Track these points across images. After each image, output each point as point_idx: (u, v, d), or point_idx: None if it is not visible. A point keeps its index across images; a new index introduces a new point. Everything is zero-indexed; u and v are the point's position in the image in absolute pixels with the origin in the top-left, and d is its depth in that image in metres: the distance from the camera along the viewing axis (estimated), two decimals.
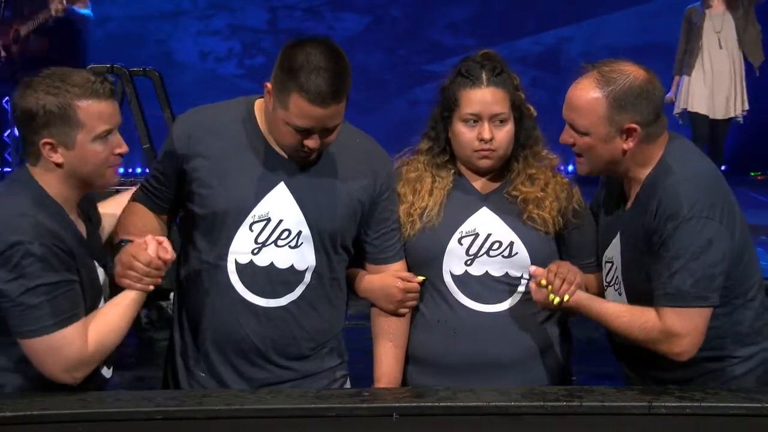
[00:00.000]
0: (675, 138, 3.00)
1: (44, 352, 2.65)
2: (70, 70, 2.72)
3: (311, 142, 2.88)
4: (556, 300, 2.95)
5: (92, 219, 2.92)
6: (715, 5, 8.21)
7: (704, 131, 8.23)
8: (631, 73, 2.89)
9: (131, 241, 2.85)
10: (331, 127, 2.89)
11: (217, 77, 11.32)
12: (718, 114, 8.18)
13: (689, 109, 8.25)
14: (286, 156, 3.00)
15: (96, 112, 2.67)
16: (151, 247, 2.78)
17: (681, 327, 2.82)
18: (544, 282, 2.97)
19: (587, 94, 2.90)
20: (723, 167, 9.96)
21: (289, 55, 2.84)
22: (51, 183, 2.72)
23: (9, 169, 7.58)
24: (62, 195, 2.74)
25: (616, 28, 10.85)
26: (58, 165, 2.70)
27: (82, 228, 2.81)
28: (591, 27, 11.06)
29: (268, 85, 2.90)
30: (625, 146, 2.89)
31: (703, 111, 8.23)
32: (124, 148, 2.76)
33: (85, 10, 7.47)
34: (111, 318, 2.75)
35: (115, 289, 2.84)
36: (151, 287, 2.80)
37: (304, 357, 3.11)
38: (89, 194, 2.90)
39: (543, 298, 2.99)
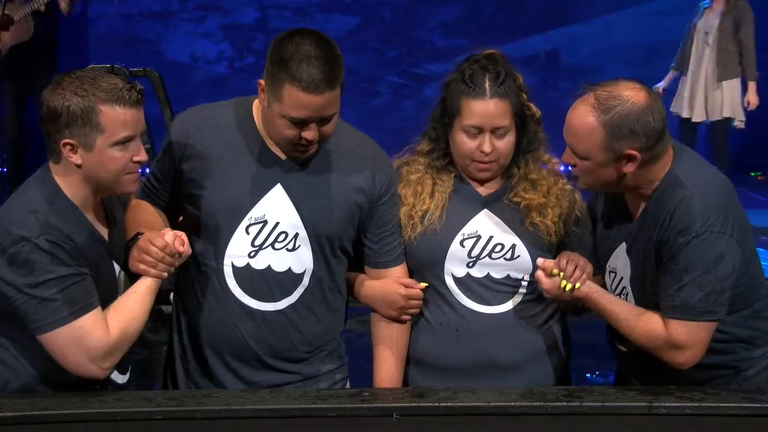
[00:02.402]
0: (680, 149, 2.95)
1: (65, 344, 2.65)
2: (103, 73, 2.74)
3: (309, 134, 2.86)
4: (568, 286, 2.93)
5: (117, 220, 2.92)
6: (715, 5, 8.15)
7: (687, 135, 8.13)
8: (629, 98, 2.81)
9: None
10: (327, 116, 2.86)
11: (207, 77, 11.31)
12: (696, 117, 8.09)
13: (671, 110, 8.20)
14: (283, 157, 2.99)
15: (119, 118, 2.68)
16: (169, 235, 2.80)
17: (686, 339, 2.81)
18: (555, 270, 2.95)
19: (584, 120, 2.83)
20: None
21: (278, 48, 2.83)
22: (69, 183, 2.74)
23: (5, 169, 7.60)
24: (79, 196, 2.75)
25: (626, 27, 10.85)
26: (78, 166, 2.71)
27: (102, 228, 2.83)
28: (601, 25, 11.04)
29: (261, 81, 2.88)
30: (625, 170, 2.85)
31: (683, 114, 8.21)
32: (143, 156, 2.76)
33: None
34: (130, 305, 2.76)
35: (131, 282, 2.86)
36: (165, 274, 2.80)
37: (302, 360, 3.10)
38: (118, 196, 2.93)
39: (553, 287, 2.95)
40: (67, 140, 2.68)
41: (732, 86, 8.12)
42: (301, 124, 2.84)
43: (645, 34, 10.59)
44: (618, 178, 2.88)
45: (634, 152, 2.82)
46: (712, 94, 8.10)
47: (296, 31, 2.85)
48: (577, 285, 2.94)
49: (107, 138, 2.68)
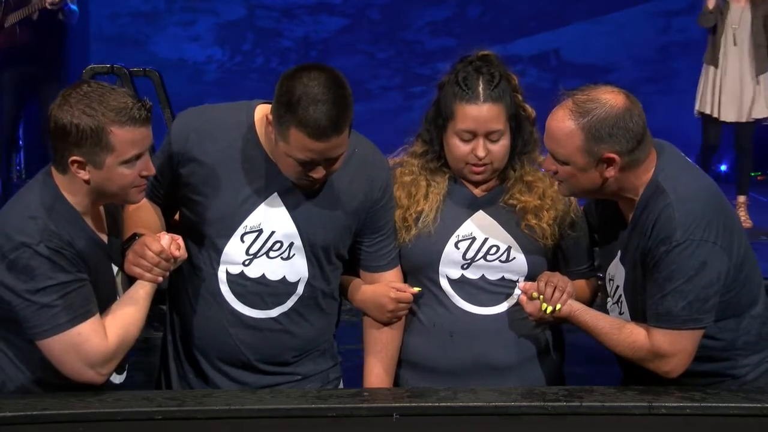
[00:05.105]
0: (663, 152, 2.94)
1: (63, 351, 2.65)
2: (111, 89, 2.69)
3: (316, 174, 2.84)
4: (549, 309, 2.95)
5: (117, 222, 2.91)
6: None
7: (713, 136, 7.83)
8: (607, 102, 2.80)
9: (143, 235, 2.84)
10: (334, 158, 2.84)
11: (196, 77, 11.28)
12: (729, 116, 7.73)
13: (698, 109, 7.85)
14: None
15: (129, 138, 2.66)
16: (165, 239, 2.79)
17: (669, 348, 2.82)
18: (535, 294, 2.97)
19: (563, 124, 2.83)
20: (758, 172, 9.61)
21: (287, 88, 2.77)
22: (73, 192, 2.72)
23: None
24: (81, 203, 2.74)
25: (635, 27, 10.92)
26: (85, 181, 2.69)
27: (102, 232, 2.82)
28: (611, 25, 11.06)
29: (269, 116, 2.85)
30: (606, 174, 2.85)
31: (712, 113, 7.80)
32: (151, 171, 2.75)
33: (73, 5, 7.44)
34: (128, 311, 2.75)
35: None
36: (160, 279, 2.80)
37: (294, 363, 3.10)
38: None
39: (535, 310, 2.99)
40: (75, 158, 2.66)
41: (766, 81, 7.79)
42: (307, 165, 2.82)
43: (656, 34, 10.69)
44: (600, 184, 2.88)
45: (613, 155, 2.81)
46: (747, 93, 7.75)
47: (305, 69, 2.80)
48: (558, 307, 2.96)
49: (117, 157, 2.66)
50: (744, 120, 7.71)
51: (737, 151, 8.02)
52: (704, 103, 7.81)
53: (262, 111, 2.98)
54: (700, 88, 7.86)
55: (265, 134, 2.95)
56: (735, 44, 7.72)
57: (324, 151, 2.79)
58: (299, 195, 2.97)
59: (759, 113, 7.70)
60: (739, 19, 7.73)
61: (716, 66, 7.76)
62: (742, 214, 7.42)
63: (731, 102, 7.72)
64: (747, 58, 7.74)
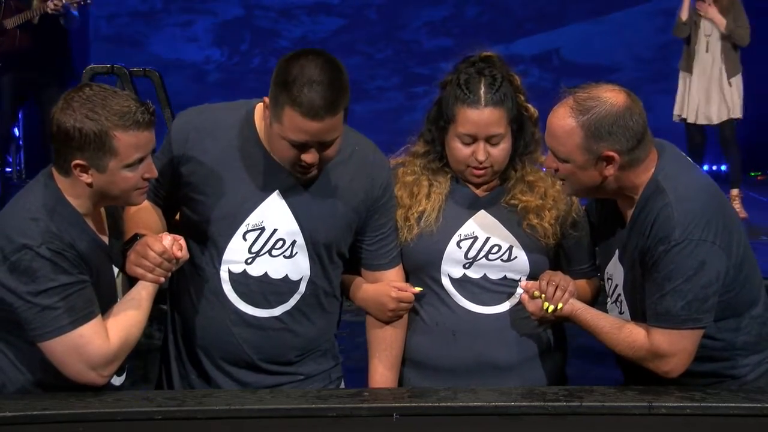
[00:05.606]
0: (664, 151, 2.94)
1: (65, 352, 2.65)
2: (114, 92, 2.68)
3: (309, 157, 2.83)
4: (551, 308, 2.95)
5: (118, 224, 2.91)
6: (708, 8, 8.06)
7: (697, 135, 8.18)
8: (608, 100, 2.81)
9: (145, 235, 2.84)
10: (328, 141, 2.83)
11: (194, 77, 11.28)
12: (705, 120, 8.09)
13: (680, 114, 8.20)
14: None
15: (132, 142, 2.65)
16: (167, 239, 2.79)
17: (668, 348, 2.81)
18: (537, 293, 2.97)
19: (563, 122, 2.83)
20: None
21: (283, 69, 2.78)
22: (74, 195, 2.71)
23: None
24: (83, 206, 2.73)
25: (635, 27, 10.94)
26: (88, 185, 2.68)
27: (103, 233, 2.82)
28: (612, 25, 11.07)
29: (266, 99, 2.85)
30: (606, 173, 2.85)
31: (690, 118, 8.17)
32: (153, 173, 2.75)
33: (74, 11, 7.45)
34: (130, 312, 2.75)
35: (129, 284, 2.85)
36: (162, 279, 2.80)
37: (295, 362, 3.10)
38: None
39: (537, 309, 2.99)
40: (78, 161, 2.65)
41: (738, 82, 8.13)
42: (301, 147, 2.82)
43: (656, 34, 10.67)
44: (600, 182, 2.88)
45: (612, 153, 2.81)
46: (722, 96, 8.08)
47: (303, 53, 2.81)
48: (559, 306, 2.96)
49: (120, 161, 2.66)
50: (725, 119, 8.05)
51: (723, 146, 8.36)
52: (683, 108, 8.21)
53: (261, 110, 2.97)
54: (679, 94, 8.26)
55: (264, 131, 2.95)
56: (707, 51, 8.11)
57: (318, 132, 2.78)
58: (301, 192, 2.98)
59: (735, 113, 8.07)
60: (711, 27, 8.11)
61: (690, 72, 8.18)
62: (737, 206, 7.58)
63: (707, 105, 8.09)
64: (719, 63, 8.11)
